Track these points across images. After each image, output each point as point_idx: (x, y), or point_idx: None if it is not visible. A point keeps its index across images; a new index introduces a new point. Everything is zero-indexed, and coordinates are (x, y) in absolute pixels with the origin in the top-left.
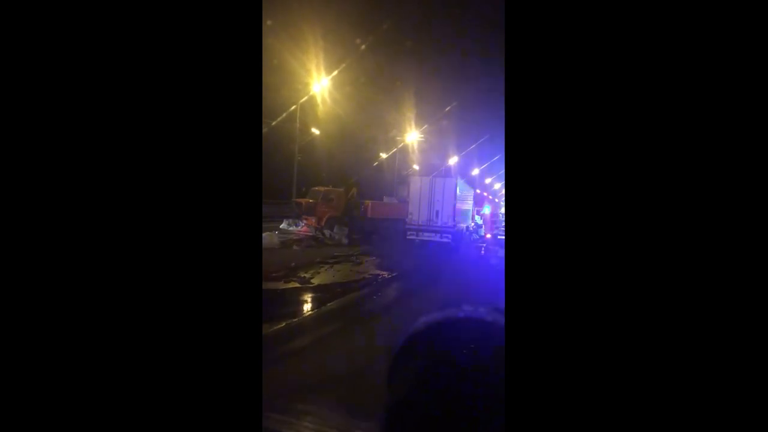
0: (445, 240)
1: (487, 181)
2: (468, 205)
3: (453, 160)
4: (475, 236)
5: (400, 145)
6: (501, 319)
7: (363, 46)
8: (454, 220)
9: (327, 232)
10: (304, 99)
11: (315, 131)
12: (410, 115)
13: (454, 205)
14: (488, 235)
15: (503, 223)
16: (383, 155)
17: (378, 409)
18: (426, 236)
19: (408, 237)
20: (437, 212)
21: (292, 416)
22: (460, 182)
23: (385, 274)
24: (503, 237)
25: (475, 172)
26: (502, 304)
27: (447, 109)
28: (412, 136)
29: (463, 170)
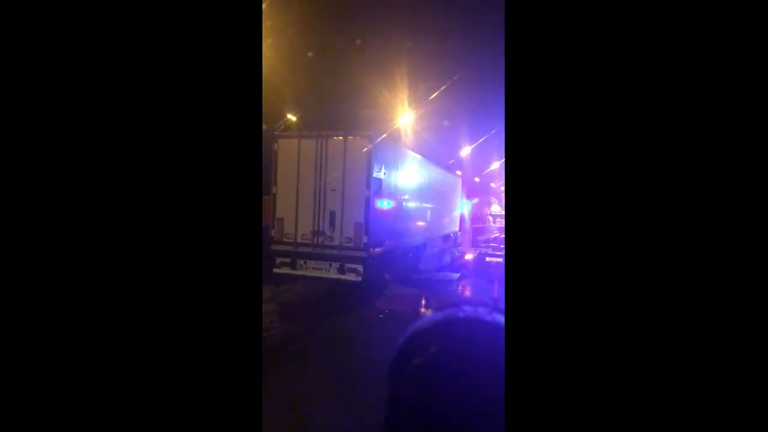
0: (350, 278)
1: None
2: (453, 203)
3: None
4: (454, 253)
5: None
6: (501, 319)
7: None
8: (368, 232)
9: None
10: None
11: (291, 117)
12: (403, 95)
13: (369, 199)
14: (469, 255)
15: (497, 232)
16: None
17: (377, 407)
18: (311, 269)
19: (276, 270)
20: (332, 215)
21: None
22: (381, 152)
23: None
24: (498, 257)
25: (495, 165)
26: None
27: (443, 87)
28: (408, 119)
29: (479, 165)
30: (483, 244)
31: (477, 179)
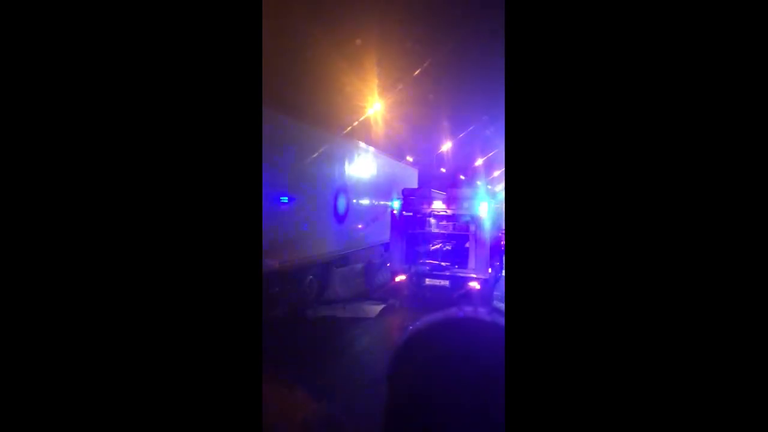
0: None
1: (496, 173)
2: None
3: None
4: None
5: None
6: (501, 319)
7: None
8: None
9: None
10: None
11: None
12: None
13: None
14: (401, 276)
15: (440, 241)
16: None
17: (378, 405)
18: None
19: None
20: None
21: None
22: None
23: None
24: (442, 278)
25: (479, 161)
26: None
27: (423, 66)
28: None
29: (465, 160)
30: (421, 260)
31: (462, 177)
